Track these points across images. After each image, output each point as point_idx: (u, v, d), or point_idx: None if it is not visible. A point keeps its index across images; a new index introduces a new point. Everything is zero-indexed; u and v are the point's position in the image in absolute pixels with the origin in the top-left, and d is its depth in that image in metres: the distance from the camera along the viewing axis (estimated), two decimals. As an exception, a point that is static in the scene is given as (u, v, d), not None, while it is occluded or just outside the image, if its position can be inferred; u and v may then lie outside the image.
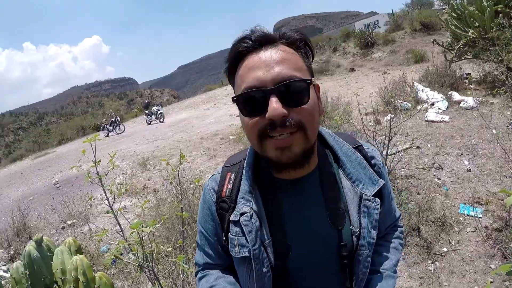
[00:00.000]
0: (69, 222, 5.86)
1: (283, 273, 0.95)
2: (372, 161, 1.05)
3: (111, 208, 2.53)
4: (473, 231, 3.51)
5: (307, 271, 0.96)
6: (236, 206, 0.97)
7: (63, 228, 5.81)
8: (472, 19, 8.52)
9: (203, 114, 15.93)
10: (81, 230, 5.59)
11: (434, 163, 5.08)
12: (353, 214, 0.96)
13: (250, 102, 0.84)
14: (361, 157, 1.02)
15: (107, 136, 16.72)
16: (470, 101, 7.93)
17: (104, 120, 20.84)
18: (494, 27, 7.58)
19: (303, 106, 0.83)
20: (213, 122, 12.95)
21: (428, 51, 14.62)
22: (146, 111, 19.16)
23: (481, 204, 3.84)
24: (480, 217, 3.65)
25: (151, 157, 8.86)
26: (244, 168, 1.00)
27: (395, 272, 1.09)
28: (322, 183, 0.97)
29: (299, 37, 0.90)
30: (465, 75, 9.59)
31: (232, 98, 0.88)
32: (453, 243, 3.44)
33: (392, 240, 1.17)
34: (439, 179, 4.72)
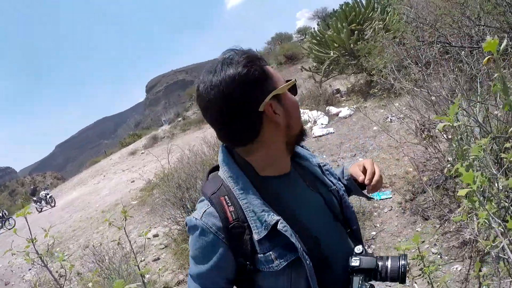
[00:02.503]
0: None
1: (321, 260, 0.98)
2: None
3: None
4: (390, 210, 3.94)
5: (325, 239, 1.01)
6: (254, 222, 0.93)
7: None
8: (331, 40, 9.83)
9: (95, 189, 15.00)
10: None
11: (337, 166, 5.59)
12: (323, 179, 1.13)
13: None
14: None
15: None
16: (346, 110, 9.00)
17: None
18: (352, 44, 8.84)
19: None
20: (108, 193, 12.35)
21: (298, 78, 16.11)
22: (34, 198, 17.25)
23: (387, 187, 4.34)
24: (391, 197, 4.12)
25: (56, 244, 7.91)
26: (235, 186, 0.97)
27: None
28: (297, 170, 1.10)
29: None
30: (335, 90, 10.87)
31: (287, 82, 1.00)
32: (378, 225, 3.81)
33: None
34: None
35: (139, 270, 2.42)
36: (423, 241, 3.18)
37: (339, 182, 1.19)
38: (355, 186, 1.25)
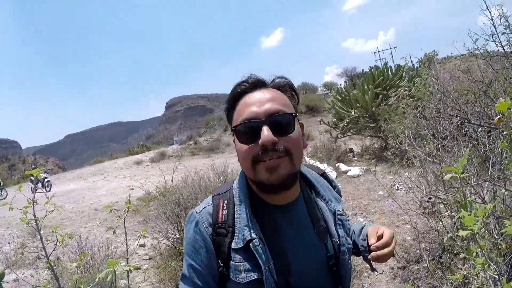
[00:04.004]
0: None
1: None
2: (333, 184, 1.27)
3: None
4: (381, 273, 3.90)
5: (304, 282, 1.03)
6: (238, 233, 1.01)
7: None
8: (355, 100, 10.03)
9: (93, 186, 15.23)
10: None
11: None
12: (332, 228, 1.11)
13: (246, 131, 0.99)
14: (326, 181, 1.23)
15: None
16: (355, 170, 9.06)
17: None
18: (374, 107, 9.04)
19: (290, 135, 0.99)
20: (105, 194, 12.52)
21: (314, 130, 16.45)
22: (32, 178, 17.24)
23: (382, 251, 4.32)
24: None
25: (41, 227, 7.86)
26: (237, 197, 1.07)
27: None
28: (307, 206, 1.11)
29: (285, 83, 1.09)
30: (348, 149, 10.98)
31: (231, 128, 1.04)
32: (366, 286, 3.77)
33: None
34: (341, 236, 5.21)
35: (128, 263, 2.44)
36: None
37: (347, 238, 1.14)
38: (365, 251, 1.17)
